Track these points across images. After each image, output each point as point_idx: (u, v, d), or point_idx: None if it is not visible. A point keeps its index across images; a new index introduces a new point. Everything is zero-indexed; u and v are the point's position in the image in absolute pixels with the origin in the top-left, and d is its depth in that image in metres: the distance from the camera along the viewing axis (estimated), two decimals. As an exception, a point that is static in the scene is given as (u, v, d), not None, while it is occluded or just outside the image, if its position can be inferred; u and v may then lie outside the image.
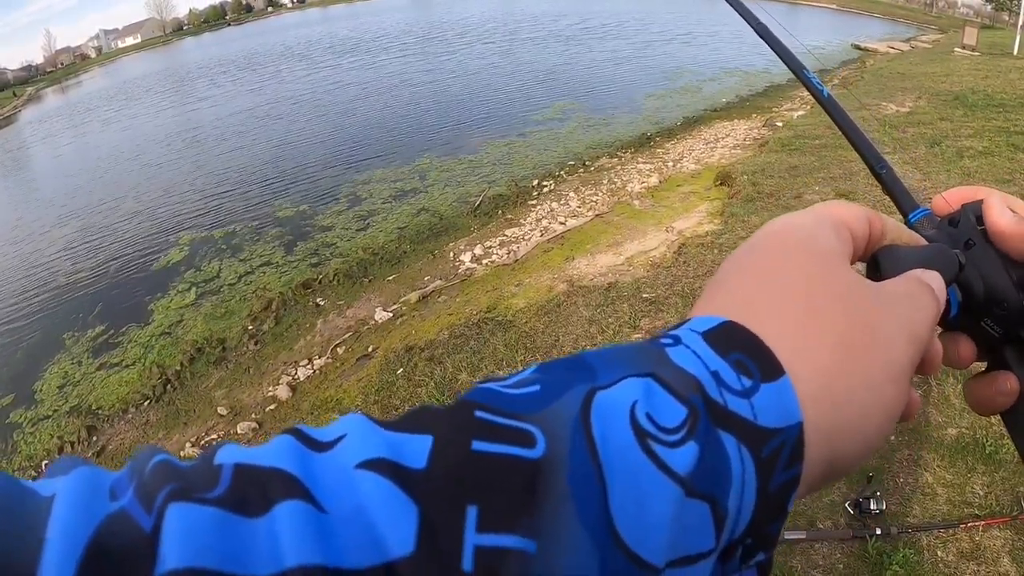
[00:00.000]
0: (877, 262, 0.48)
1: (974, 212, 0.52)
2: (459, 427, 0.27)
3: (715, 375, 0.31)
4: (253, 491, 0.24)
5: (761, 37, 0.90)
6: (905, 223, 0.60)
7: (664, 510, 0.27)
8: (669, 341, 0.33)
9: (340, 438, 0.27)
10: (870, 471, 3.42)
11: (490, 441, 0.27)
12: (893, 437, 3.81)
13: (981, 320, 0.51)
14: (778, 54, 0.82)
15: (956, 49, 21.79)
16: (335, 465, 0.26)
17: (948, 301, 0.48)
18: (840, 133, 0.73)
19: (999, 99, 12.02)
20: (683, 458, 0.28)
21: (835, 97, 0.75)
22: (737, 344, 0.33)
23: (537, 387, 0.30)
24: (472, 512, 0.25)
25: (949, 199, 0.56)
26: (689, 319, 0.35)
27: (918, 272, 0.43)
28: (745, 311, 0.35)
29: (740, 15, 0.95)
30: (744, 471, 0.29)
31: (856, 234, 0.42)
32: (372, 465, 0.26)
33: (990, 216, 0.50)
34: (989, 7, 53.61)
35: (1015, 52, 19.49)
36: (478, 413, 0.28)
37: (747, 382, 0.31)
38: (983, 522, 3.19)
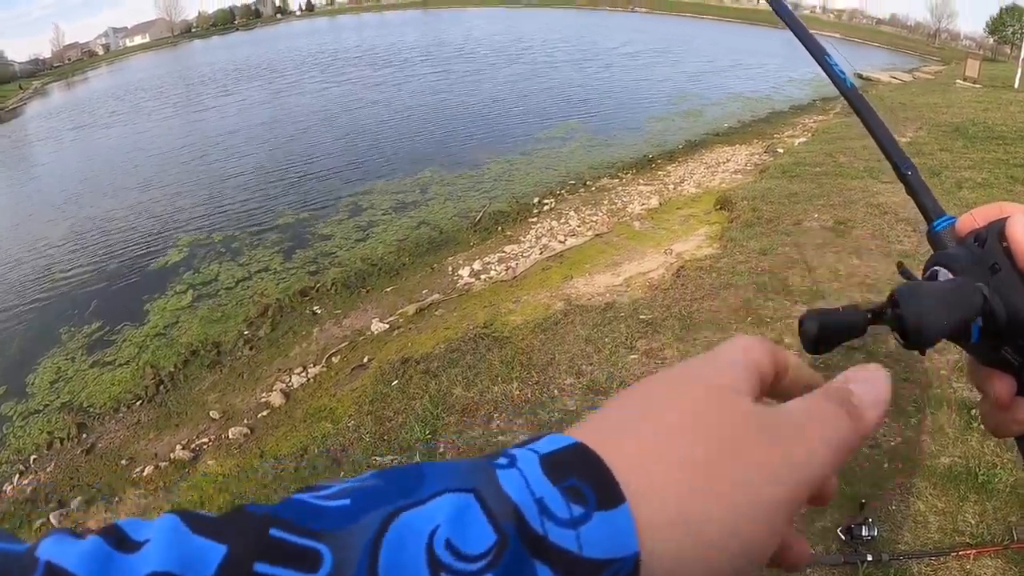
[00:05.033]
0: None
1: (1000, 232, 0.51)
2: (249, 544, 0.27)
3: (539, 502, 0.30)
4: None
5: (779, 16, 0.88)
6: (929, 230, 0.59)
7: None
8: (504, 461, 0.32)
9: (147, 541, 0.27)
10: (862, 498, 3.44)
11: (274, 562, 0.26)
12: (886, 464, 3.83)
13: (1001, 347, 0.50)
14: (798, 37, 0.80)
15: (958, 81, 21.99)
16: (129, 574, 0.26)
17: (970, 328, 0.48)
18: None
19: (999, 131, 12.13)
20: None
21: (859, 90, 0.71)
22: (577, 469, 0.31)
23: (348, 501, 0.29)
24: None
25: (977, 216, 0.55)
26: (542, 437, 0.34)
27: (838, 387, 0.38)
28: (608, 434, 0.34)
29: None
30: None
31: (762, 367, 0.39)
32: None
33: (1014, 234, 0.49)
34: (992, 40, 54.23)
35: (1016, 85, 19.66)
36: (273, 531, 0.27)
37: (578, 510, 0.30)
38: (975, 551, 3.19)
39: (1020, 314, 0.48)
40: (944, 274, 0.52)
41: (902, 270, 0.59)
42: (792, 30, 0.81)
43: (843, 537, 3.34)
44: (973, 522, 3.40)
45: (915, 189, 0.63)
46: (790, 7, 0.86)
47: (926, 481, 3.69)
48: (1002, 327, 0.48)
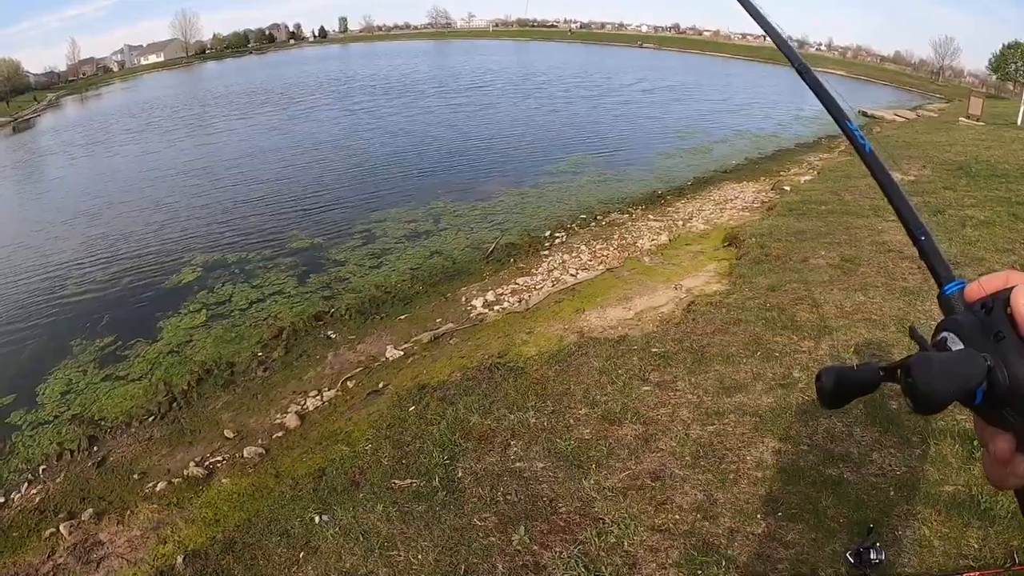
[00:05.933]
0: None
1: (1005, 301, 0.56)
2: None
3: None
4: None
5: (802, 78, 0.92)
6: (940, 294, 0.64)
7: None
8: None
9: None
10: (870, 522, 3.53)
11: None
12: (892, 492, 3.95)
13: (1003, 408, 0.55)
14: (819, 98, 0.86)
15: (961, 119, 22.28)
16: None
17: (974, 392, 0.53)
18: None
19: (1002, 169, 12.30)
20: None
21: (877, 154, 0.76)
22: None
23: None
24: None
25: (984, 285, 0.59)
26: None
27: None
28: None
29: (784, 54, 0.98)
30: None
31: None
32: None
33: (1018, 305, 0.54)
34: (994, 77, 54.54)
35: (1019, 122, 19.94)
36: None
37: None
38: (977, 573, 3.28)
39: (1021, 380, 0.52)
40: (953, 339, 0.58)
41: (913, 334, 0.65)
42: (816, 94, 0.87)
43: (852, 560, 3.41)
44: (976, 546, 3.52)
45: (928, 254, 0.68)
46: (818, 76, 0.91)
47: (931, 508, 3.80)
48: (1003, 392, 0.53)
